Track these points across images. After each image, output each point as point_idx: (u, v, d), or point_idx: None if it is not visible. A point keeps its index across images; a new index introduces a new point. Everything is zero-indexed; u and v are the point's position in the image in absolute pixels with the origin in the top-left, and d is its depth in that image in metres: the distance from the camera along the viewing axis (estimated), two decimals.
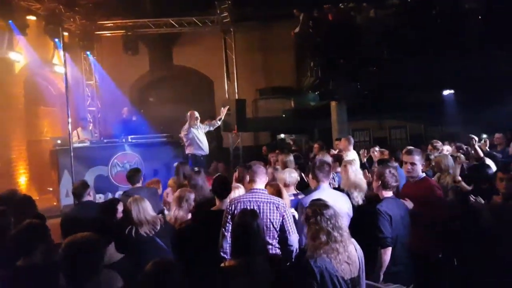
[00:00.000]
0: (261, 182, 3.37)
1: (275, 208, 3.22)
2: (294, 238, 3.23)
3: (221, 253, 3.12)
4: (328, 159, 4.60)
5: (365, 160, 5.82)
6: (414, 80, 9.25)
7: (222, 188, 3.63)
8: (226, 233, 3.14)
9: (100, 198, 7.91)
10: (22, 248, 2.66)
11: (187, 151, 7.56)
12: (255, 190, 3.30)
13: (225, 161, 10.69)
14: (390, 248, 3.17)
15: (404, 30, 8.87)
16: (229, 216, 3.18)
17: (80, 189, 4.24)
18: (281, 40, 11.82)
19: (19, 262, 2.67)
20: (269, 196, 3.33)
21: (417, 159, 3.78)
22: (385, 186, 3.40)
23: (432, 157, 5.59)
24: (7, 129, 8.60)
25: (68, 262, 2.16)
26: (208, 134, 7.97)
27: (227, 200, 3.59)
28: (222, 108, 8.19)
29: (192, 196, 3.87)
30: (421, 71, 8.98)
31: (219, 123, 8.11)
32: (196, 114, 7.41)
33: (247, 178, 3.94)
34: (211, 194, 4.17)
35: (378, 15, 9.36)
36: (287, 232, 3.21)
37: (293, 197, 3.98)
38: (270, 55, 12.45)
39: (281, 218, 3.21)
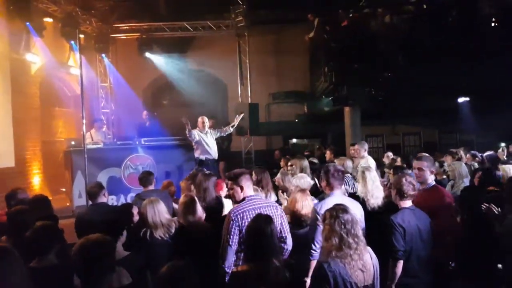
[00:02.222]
0: (250, 189, 3.30)
1: (274, 209, 3.22)
2: (290, 238, 3.27)
3: (226, 268, 2.97)
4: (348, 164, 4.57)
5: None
6: (429, 86, 9.14)
7: None
8: (233, 246, 3.00)
9: (112, 199, 7.96)
10: (37, 249, 2.67)
11: (195, 155, 7.72)
12: (250, 197, 3.22)
13: (237, 165, 10.66)
14: (401, 261, 3.13)
15: (419, 36, 8.77)
16: (237, 229, 3.03)
17: (95, 190, 4.26)
18: (295, 45, 11.80)
19: (33, 263, 2.69)
20: (266, 200, 3.44)
21: (425, 165, 3.71)
22: (401, 195, 3.31)
23: (445, 164, 5.50)
24: (23, 129, 8.72)
25: (81, 264, 2.17)
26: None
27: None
28: (237, 116, 8.27)
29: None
30: (436, 78, 8.87)
31: (231, 130, 8.21)
32: (205, 119, 7.63)
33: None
34: (217, 198, 4.16)
35: (394, 21, 9.28)
36: (285, 231, 3.24)
37: None
38: (283, 60, 12.43)
39: (280, 219, 3.22)
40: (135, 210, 3.80)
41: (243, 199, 3.20)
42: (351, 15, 9.22)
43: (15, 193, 4.05)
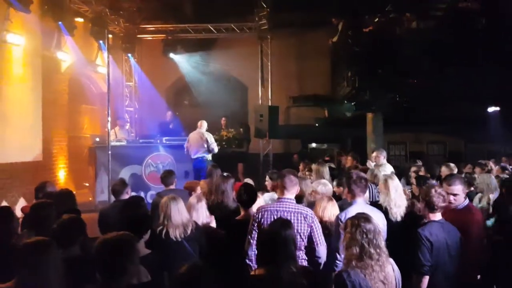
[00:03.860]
0: (290, 193, 3.31)
1: (302, 218, 3.18)
2: (322, 250, 3.19)
3: (247, 260, 3.15)
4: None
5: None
6: (456, 94, 8.91)
7: (248, 197, 3.61)
8: (252, 241, 3.14)
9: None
10: (63, 241, 2.75)
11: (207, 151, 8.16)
12: (283, 200, 3.26)
13: (255, 167, 10.69)
14: (427, 277, 3.01)
15: (447, 42, 8.58)
16: (256, 224, 3.18)
17: (119, 187, 4.32)
18: (317, 48, 11.75)
19: None
20: (297, 206, 3.29)
21: (460, 189, 3.46)
22: (431, 207, 3.16)
23: (475, 175, 5.35)
24: (51, 124, 8.97)
25: (101, 261, 2.19)
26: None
27: (252, 209, 3.57)
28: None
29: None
30: (463, 85, 8.65)
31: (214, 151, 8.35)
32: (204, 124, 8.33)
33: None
34: (234, 201, 4.15)
35: (420, 26, 9.12)
36: (315, 243, 3.18)
37: None
38: (305, 63, 12.37)
39: (309, 229, 3.17)
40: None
41: (278, 199, 3.29)
42: (376, 19, 9.11)
43: (44, 186, 4.18)
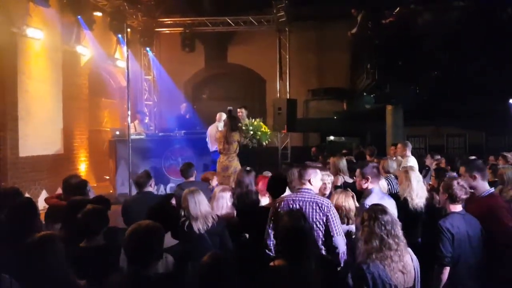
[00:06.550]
0: (309, 184, 3.29)
1: (318, 208, 3.16)
2: (339, 240, 3.14)
3: (266, 251, 3.20)
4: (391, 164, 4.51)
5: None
6: (477, 87, 8.70)
7: (277, 187, 3.64)
8: (270, 230, 3.21)
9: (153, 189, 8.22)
10: (86, 231, 2.82)
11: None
12: (301, 190, 3.28)
13: (273, 160, 10.69)
14: (448, 268, 2.99)
15: (469, 33, 8.36)
16: (273, 214, 3.24)
17: (143, 179, 4.32)
18: (336, 41, 11.62)
19: (83, 243, 2.84)
20: (313, 196, 3.26)
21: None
22: (453, 199, 3.13)
23: (500, 167, 5.25)
24: (72, 118, 9.16)
25: (132, 249, 2.25)
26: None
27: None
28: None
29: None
30: (485, 77, 8.43)
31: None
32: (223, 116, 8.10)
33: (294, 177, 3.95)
34: (255, 193, 4.18)
35: (441, 18, 8.90)
36: (331, 233, 3.14)
37: None
38: (324, 56, 12.27)
39: (324, 218, 3.15)
40: (173, 201, 3.90)
41: (297, 190, 3.35)
42: (397, 9, 8.92)
43: (69, 178, 4.26)
